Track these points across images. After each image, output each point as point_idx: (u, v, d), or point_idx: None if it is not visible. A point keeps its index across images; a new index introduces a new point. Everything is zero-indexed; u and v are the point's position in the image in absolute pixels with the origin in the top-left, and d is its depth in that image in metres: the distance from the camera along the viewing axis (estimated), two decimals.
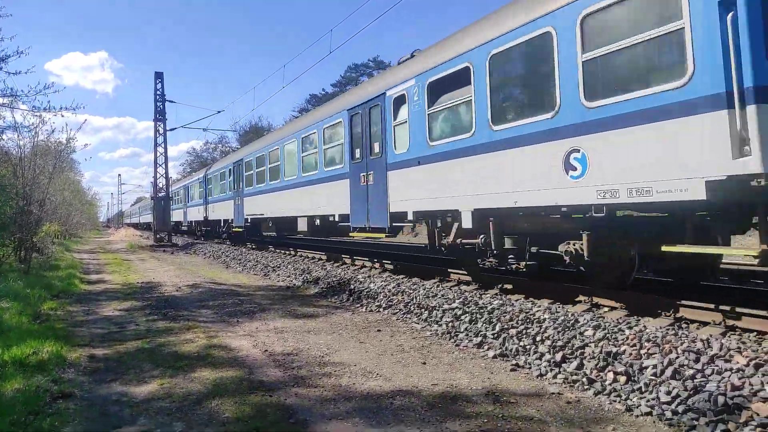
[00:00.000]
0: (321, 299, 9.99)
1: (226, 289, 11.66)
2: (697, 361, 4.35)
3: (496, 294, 7.79)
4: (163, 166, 31.63)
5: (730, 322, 5.21)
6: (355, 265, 12.92)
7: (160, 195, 31.70)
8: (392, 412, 4.17)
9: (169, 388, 4.88)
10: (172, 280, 13.43)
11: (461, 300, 7.52)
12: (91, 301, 10.32)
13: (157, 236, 31.42)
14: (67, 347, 6.28)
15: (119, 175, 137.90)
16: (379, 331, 7.07)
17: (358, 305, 9.00)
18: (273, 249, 20.24)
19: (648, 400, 4.12)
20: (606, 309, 6.48)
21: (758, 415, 3.55)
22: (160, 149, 31.26)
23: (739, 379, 3.95)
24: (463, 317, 6.92)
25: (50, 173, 15.93)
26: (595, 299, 6.81)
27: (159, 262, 19.33)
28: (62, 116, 12.90)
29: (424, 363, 5.54)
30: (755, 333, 4.91)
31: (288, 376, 5.15)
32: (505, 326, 6.24)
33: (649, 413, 3.98)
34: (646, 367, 4.48)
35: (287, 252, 18.30)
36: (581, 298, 7.06)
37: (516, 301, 7.17)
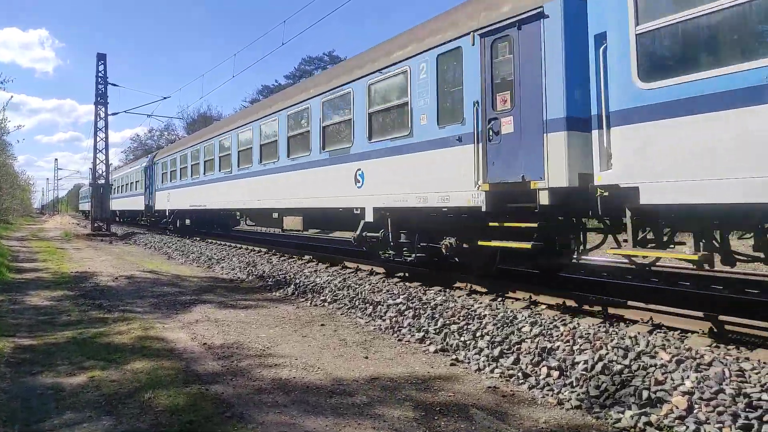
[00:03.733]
0: (265, 292, 9.84)
1: (166, 280, 11.30)
2: (625, 357, 4.55)
3: (440, 290, 7.90)
4: (104, 152, 30.30)
5: (657, 320, 5.48)
6: (302, 260, 12.81)
7: (99, 182, 30.34)
8: (331, 406, 4.16)
9: (100, 380, 4.69)
10: (108, 270, 12.90)
11: (405, 295, 7.59)
12: (19, 290, 9.77)
13: (95, 225, 30.08)
14: None
15: (56, 159, 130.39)
16: (322, 325, 7.04)
17: (303, 299, 8.92)
18: (216, 241, 19.76)
19: (578, 394, 4.27)
20: (543, 306, 6.69)
21: (677, 408, 3.75)
22: (101, 134, 29.92)
23: (662, 374, 4.17)
24: (406, 312, 6.98)
25: None
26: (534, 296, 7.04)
27: (96, 252, 18.53)
28: None
29: (366, 357, 5.55)
30: (679, 331, 5.19)
31: (226, 369, 5.04)
32: (447, 322, 6.34)
33: (579, 407, 4.14)
34: (578, 363, 4.65)
35: (233, 244, 17.93)
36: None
37: (459, 297, 7.30)
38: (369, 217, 9.27)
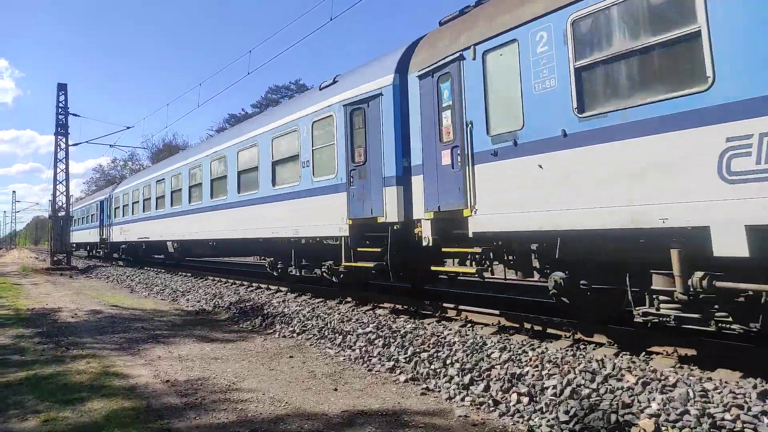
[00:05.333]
0: (232, 324, 9.62)
1: (129, 315, 10.94)
2: (592, 380, 4.59)
3: (409, 318, 7.85)
4: (64, 183, 29.50)
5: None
6: (270, 290, 12.59)
7: (60, 214, 29.45)
8: None
9: (54, 424, 4.46)
10: (68, 306, 12.42)
11: (375, 324, 7.52)
12: None
13: (55, 258, 29.07)
14: None
15: (14, 192, 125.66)
16: (291, 357, 6.90)
17: (271, 331, 8.74)
18: (183, 273, 19.26)
19: (548, 420, 4.27)
20: (512, 331, 6.70)
21: (645, 431, 3.78)
22: (62, 165, 29.17)
23: (629, 397, 4.21)
24: (376, 341, 6.91)
25: None
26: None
27: (55, 287, 17.86)
28: None
29: (336, 389, 5.45)
30: (644, 353, 5.26)
31: (189, 407, 4.87)
32: (417, 350, 6.29)
33: None
34: (547, 388, 4.66)
35: (198, 275, 17.53)
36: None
37: (429, 324, 7.27)
38: None
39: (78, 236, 36.65)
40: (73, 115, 29.17)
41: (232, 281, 15.01)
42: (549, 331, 6.53)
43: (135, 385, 5.61)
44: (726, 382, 4.22)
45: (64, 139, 28.89)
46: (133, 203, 23.07)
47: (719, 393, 4.02)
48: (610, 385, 4.46)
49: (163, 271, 20.84)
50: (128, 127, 31.23)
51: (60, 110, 28.46)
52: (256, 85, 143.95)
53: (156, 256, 25.43)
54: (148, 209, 20.66)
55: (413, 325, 7.21)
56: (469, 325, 7.18)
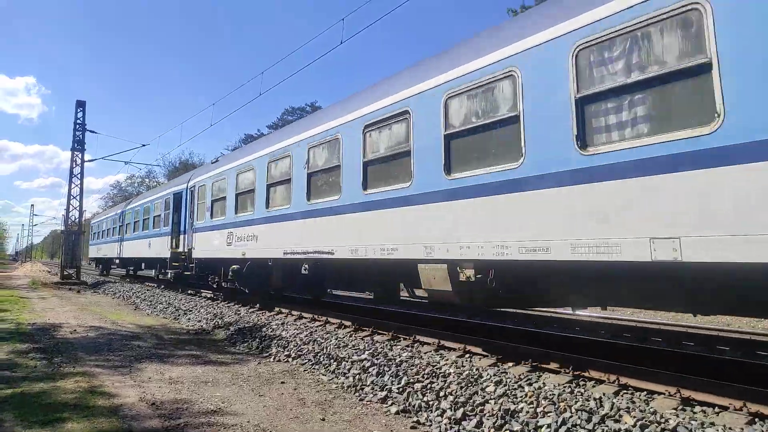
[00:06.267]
0: (229, 346, 9.48)
1: (128, 332, 10.85)
2: (588, 420, 4.37)
3: (407, 345, 7.66)
4: (78, 198, 29.82)
5: (624, 381, 5.31)
6: (271, 311, 12.46)
7: (72, 229, 29.73)
8: None
9: None
10: (69, 321, 12.38)
11: (371, 351, 7.34)
12: None
13: (65, 273, 29.25)
14: None
15: (32, 205, 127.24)
16: (282, 383, 6.73)
17: (267, 354, 8.58)
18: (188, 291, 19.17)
19: None
20: (510, 364, 6.48)
21: None
22: (77, 181, 29.54)
23: None
24: (370, 369, 6.72)
25: None
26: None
27: (61, 301, 17.88)
28: None
29: (323, 419, 5.27)
30: (645, 392, 5.02)
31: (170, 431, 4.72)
32: (411, 380, 6.10)
33: None
34: (541, 426, 4.45)
35: (201, 295, 17.46)
36: None
37: (425, 353, 7.07)
38: None
39: (129, 249, 25.47)
40: (90, 131, 29.71)
41: (234, 302, 14.89)
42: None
43: (119, 406, 5.48)
44: (730, 429, 3.98)
45: (80, 155, 29.32)
46: (268, 186, 11.70)
47: None
48: (607, 426, 4.24)
49: (165, 287, 20.61)
50: (144, 145, 31.72)
51: (77, 126, 28.97)
52: (268, 107, 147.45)
53: (337, 293, 13.48)
54: (328, 192, 9.44)
55: (409, 354, 7.02)
56: (467, 355, 6.96)
